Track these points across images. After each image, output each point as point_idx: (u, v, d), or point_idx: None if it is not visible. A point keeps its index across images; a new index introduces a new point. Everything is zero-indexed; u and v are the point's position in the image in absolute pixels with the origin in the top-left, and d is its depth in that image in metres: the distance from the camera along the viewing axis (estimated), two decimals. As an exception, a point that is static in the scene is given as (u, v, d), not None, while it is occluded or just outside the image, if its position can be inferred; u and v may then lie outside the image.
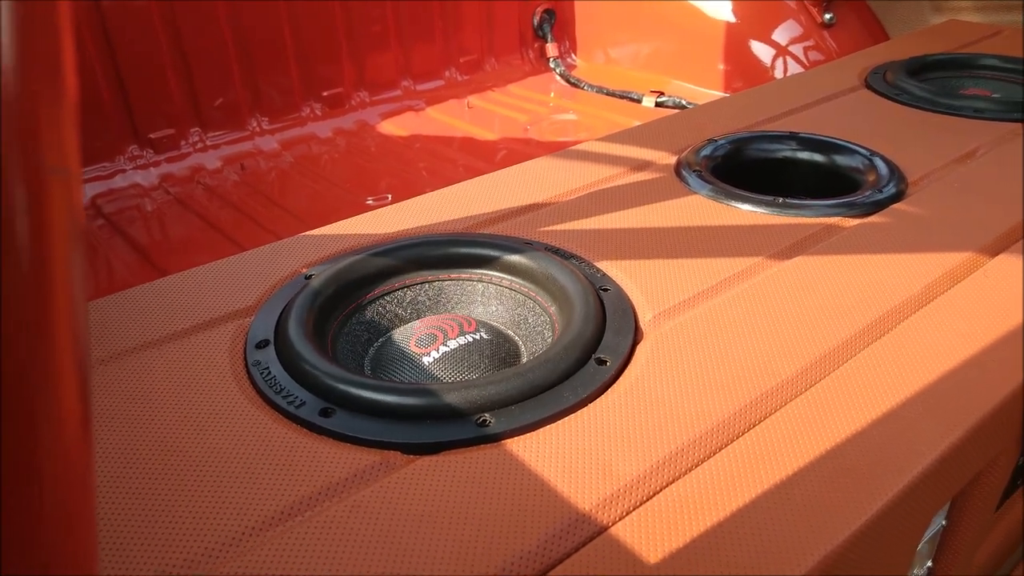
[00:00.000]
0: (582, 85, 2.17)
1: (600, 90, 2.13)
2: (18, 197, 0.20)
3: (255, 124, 1.79)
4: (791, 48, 1.95)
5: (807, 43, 1.94)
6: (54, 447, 0.22)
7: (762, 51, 1.97)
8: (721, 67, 2.02)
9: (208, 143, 1.73)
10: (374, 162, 1.77)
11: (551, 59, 2.27)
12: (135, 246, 1.48)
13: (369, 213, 0.91)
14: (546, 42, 2.28)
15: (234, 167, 1.72)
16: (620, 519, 0.51)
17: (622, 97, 2.07)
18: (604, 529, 0.50)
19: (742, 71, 1.98)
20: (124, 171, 1.63)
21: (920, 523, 0.59)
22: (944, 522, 0.73)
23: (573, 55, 2.32)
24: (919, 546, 0.69)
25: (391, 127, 1.93)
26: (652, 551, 0.48)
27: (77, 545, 0.24)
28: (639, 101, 2.03)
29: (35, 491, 0.22)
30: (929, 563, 0.75)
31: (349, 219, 0.89)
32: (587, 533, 0.49)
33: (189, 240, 1.50)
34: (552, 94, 2.15)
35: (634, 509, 0.51)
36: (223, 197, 1.62)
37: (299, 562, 0.47)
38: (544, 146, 1.83)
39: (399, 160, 1.78)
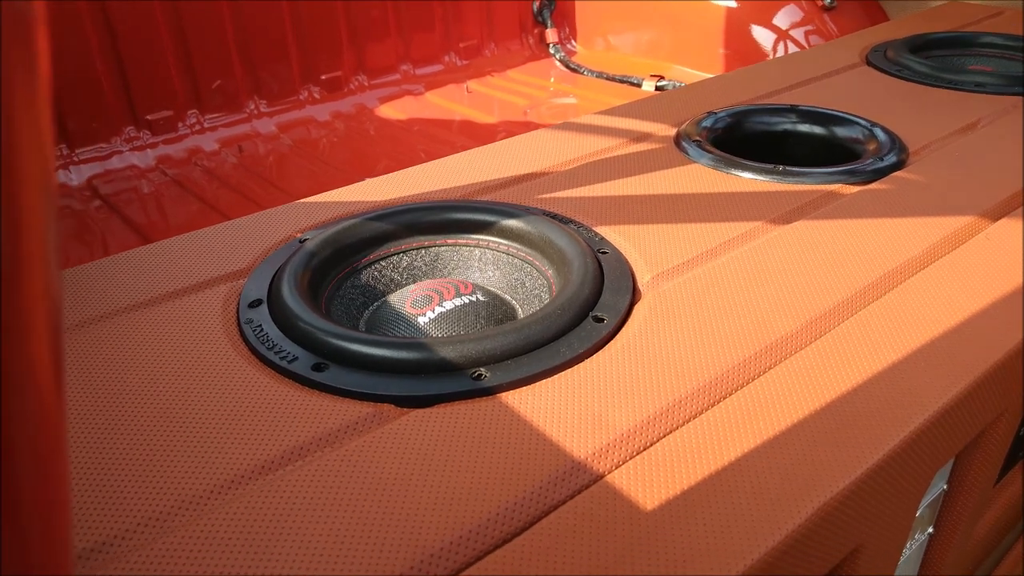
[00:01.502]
0: (582, 70, 2.16)
1: (600, 75, 2.12)
2: None
3: (253, 107, 1.78)
4: (792, 32, 1.94)
5: (808, 27, 1.93)
6: (27, 420, 0.21)
7: (763, 35, 1.96)
8: (722, 51, 2.01)
9: (206, 125, 1.72)
10: (373, 145, 1.77)
11: (551, 45, 2.26)
12: (132, 227, 1.48)
13: (365, 182, 0.90)
14: (546, 28, 2.27)
15: (232, 149, 1.71)
16: (615, 468, 0.50)
17: (622, 82, 2.06)
18: (599, 478, 0.49)
19: (743, 55, 1.97)
20: (121, 152, 1.62)
21: (922, 480, 0.59)
22: (945, 487, 0.72)
23: (573, 41, 2.31)
24: (920, 510, 0.68)
25: (390, 111, 1.92)
26: (648, 498, 0.47)
27: (51, 523, 0.23)
28: (639, 85, 2.02)
29: (7, 468, 0.21)
30: (930, 529, 0.75)
31: (344, 187, 0.88)
32: (582, 481, 0.49)
33: (187, 221, 1.50)
34: (552, 79, 2.14)
35: (630, 459, 0.50)
36: (221, 179, 1.62)
37: (289, 508, 0.46)
38: (543, 129, 1.82)
39: (398, 143, 1.77)
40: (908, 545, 0.71)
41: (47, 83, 0.20)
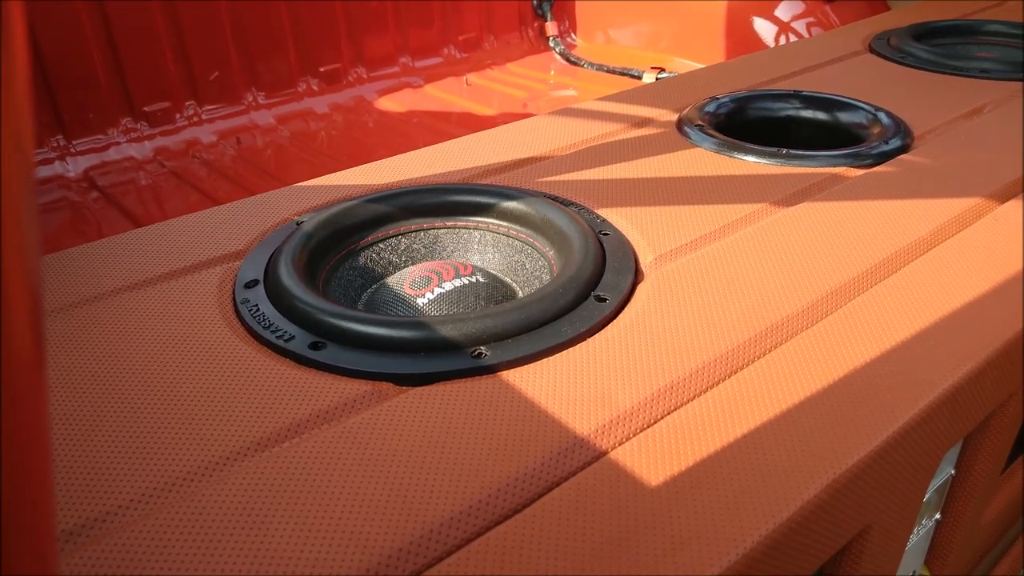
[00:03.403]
0: (582, 63, 2.15)
1: (600, 68, 2.10)
2: None
3: (251, 98, 1.77)
4: (794, 24, 1.93)
5: (809, 19, 1.92)
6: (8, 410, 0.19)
7: (764, 27, 1.95)
8: (723, 44, 2.00)
9: (203, 117, 1.71)
10: (371, 137, 1.75)
11: (550, 38, 2.25)
12: (130, 218, 1.46)
13: (363, 166, 0.89)
14: (545, 21, 2.26)
15: (230, 141, 1.70)
16: (619, 445, 0.49)
17: (623, 74, 2.05)
18: (603, 454, 0.48)
19: (744, 47, 1.96)
20: (118, 144, 1.61)
21: (931, 460, 0.57)
22: (953, 472, 0.71)
23: (573, 35, 2.30)
24: (927, 495, 0.67)
25: (389, 103, 1.91)
26: (653, 475, 0.46)
27: (33, 514, 0.21)
28: (639, 78, 2.01)
29: None
30: (937, 515, 0.73)
31: (341, 172, 0.87)
32: (585, 458, 0.47)
33: (185, 213, 1.48)
34: (552, 72, 2.13)
35: (634, 435, 0.49)
36: (219, 171, 1.60)
37: (286, 483, 0.45)
38: (543, 121, 1.80)
39: (397, 135, 1.76)
40: (915, 531, 0.70)
41: (24, 62, 0.19)
